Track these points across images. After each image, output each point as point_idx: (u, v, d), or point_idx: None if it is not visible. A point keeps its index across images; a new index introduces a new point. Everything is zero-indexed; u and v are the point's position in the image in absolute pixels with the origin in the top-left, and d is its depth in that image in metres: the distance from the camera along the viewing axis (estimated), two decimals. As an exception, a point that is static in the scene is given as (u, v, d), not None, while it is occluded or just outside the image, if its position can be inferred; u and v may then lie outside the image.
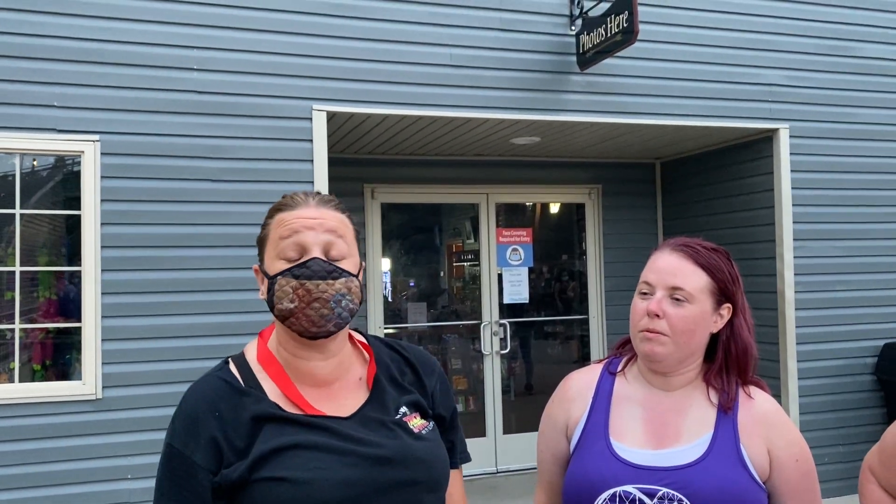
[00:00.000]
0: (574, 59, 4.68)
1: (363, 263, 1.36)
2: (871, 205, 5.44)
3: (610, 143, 5.66)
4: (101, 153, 3.91)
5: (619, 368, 1.58)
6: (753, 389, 1.51)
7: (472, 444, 6.08)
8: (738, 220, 5.56)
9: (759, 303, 5.34)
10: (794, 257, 5.17)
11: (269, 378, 1.28)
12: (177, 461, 1.21)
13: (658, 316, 1.44)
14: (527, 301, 6.38)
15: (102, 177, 3.91)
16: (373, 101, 4.34)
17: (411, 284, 6.42)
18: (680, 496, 1.37)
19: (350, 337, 1.39)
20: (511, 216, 6.51)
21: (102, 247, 3.90)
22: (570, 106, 4.72)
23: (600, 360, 1.64)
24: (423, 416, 1.37)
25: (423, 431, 1.33)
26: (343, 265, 1.26)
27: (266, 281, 1.28)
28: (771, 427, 1.46)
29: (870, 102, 5.43)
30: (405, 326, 6.14)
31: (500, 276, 6.31)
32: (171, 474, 1.21)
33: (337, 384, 1.32)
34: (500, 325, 6.25)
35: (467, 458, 1.49)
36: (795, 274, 5.17)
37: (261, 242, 1.32)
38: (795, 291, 5.16)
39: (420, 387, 1.41)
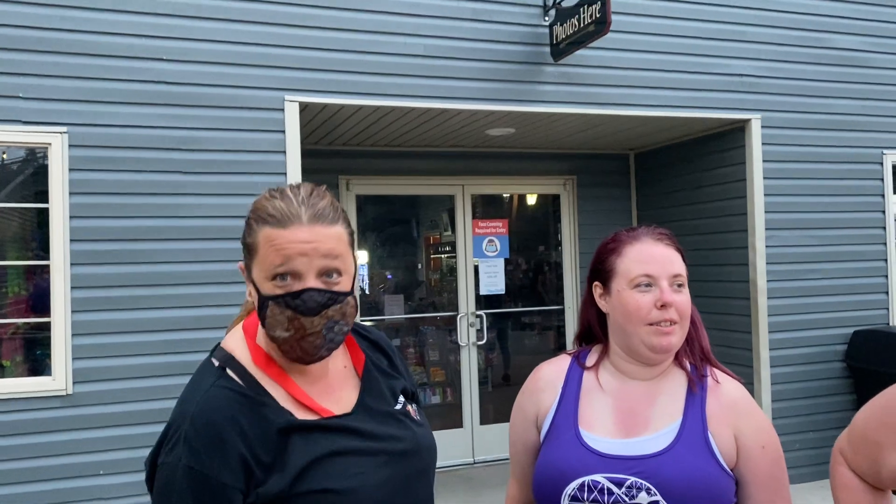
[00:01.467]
0: (548, 49, 4.68)
1: (356, 261, 1.31)
2: (841, 194, 5.51)
3: (584, 134, 5.68)
4: (69, 145, 3.84)
5: (591, 363, 1.57)
6: (721, 375, 1.52)
7: (449, 435, 6.11)
8: (711, 210, 5.61)
9: (731, 292, 5.40)
10: (766, 246, 5.23)
11: (273, 382, 1.22)
12: (202, 485, 1.10)
13: (671, 306, 1.44)
14: (503, 292, 6.39)
15: (70, 169, 3.85)
16: (346, 91, 4.31)
17: (388, 277, 6.41)
18: (648, 485, 1.37)
19: None
20: (487, 207, 6.51)
21: (71, 240, 3.84)
22: (545, 97, 4.72)
23: (569, 351, 1.64)
24: (413, 401, 1.38)
25: (418, 417, 1.35)
26: (339, 285, 1.20)
27: (256, 293, 1.21)
28: (738, 414, 1.46)
29: (839, 93, 5.49)
30: (382, 318, 6.13)
31: (476, 267, 6.32)
32: (193, 499, 1.10)
33: (328, 376, 1.30)
34: (477, 316, 6.26)
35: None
36: (767, 263, 5.22)
37: (248, 248, 1.23)
38: (767, 280, 5.22)
39: (395, 369, 1.41)
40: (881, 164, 5.60)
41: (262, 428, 1.16)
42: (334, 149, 5.72)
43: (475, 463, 6.14)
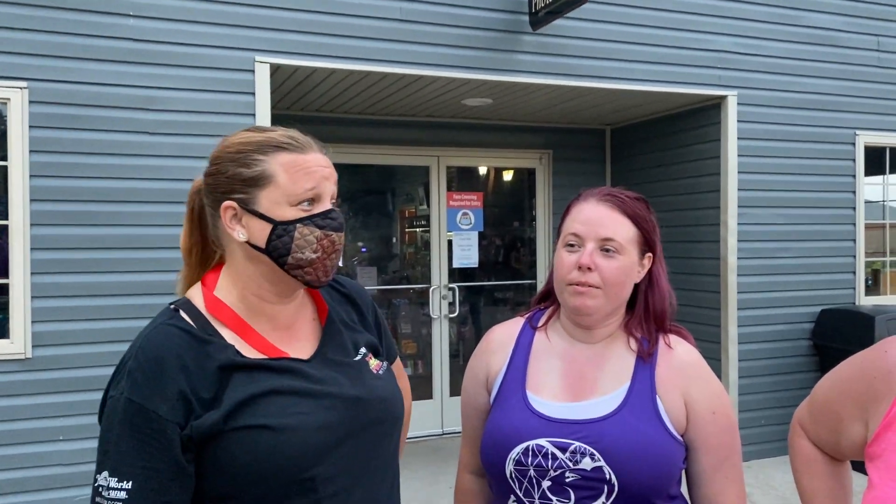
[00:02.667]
0: (526, 18, 4.61)
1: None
2: (812, 174, 5.54)
3: (561, 107, 5.63)
4: (30, 101, 3.71)
5: (541, 323, 1.54)
6: (674, 340, 1.47)
7: (419, 407, 6.08)
8: (685, 186, 5.61)
9: (702, 268, 5.42)
10: (738, 224, 5.25)
11: (224, 325, 1.23)
12: (139, 416, 1.12)
13: (590, 269, 1.39)
14: (476, 266, 6.36)
15: (31, 126, 3.72)
16: (319, 54, 4.21)
17: (363, 249, 6.34)
18: (592, 450, 1.34)
19: None
20: (462, 180, 6.45)
21: (31, 200, 3.72)
22: (522, 67, 4.66)
23: (523, 313, 1.60)
24: (376, 356, 1.37)
25: (380, 371, 1.34)
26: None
27: (261, 225, 1.20)
28: (689, 378, 1.42)
29: (815, 72, 5.50)
30: (353, 289, 6.07)
31: (450, 240, 6.27)
32: (132, 430, 1.11)
33: (296, 326, 1.30)
34: (449, 289, 6.23)
35: (395, 355, 1.53)
36: (739, 240, 5.25)
37: (253, 181, 1.20)
38: (738, 258, 5.24)
39: (365, 324, 1.41)
40: (853, 144, 5.64)
41: (203, 364, 1.16)
42: (306, 115, 5.61)
43: (443, 434, 6.15)
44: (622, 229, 1.42)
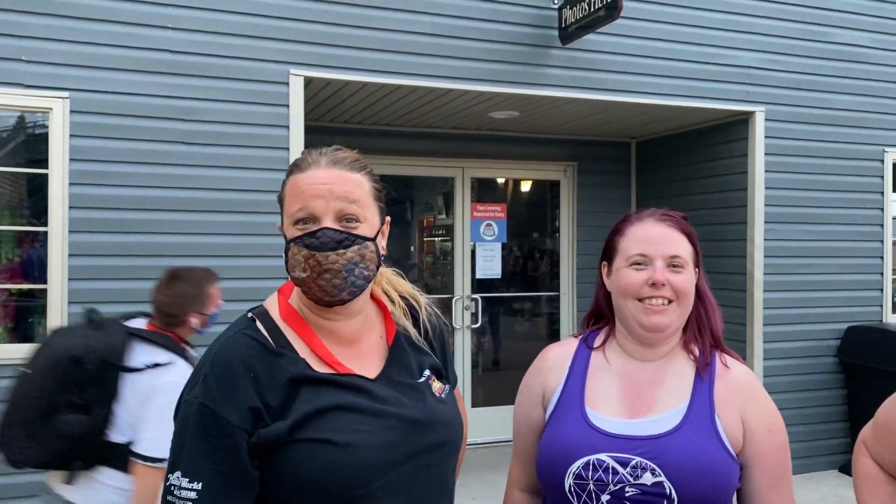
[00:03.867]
0: (556, 33, 4.65)
1: (387, 220, 1.34)
2: (840, 190, 5.52)
3: (587, 120, 5.66)
4: (71, 111, 3.80)
5: (598, 343, 1.57)
6: (730, 360, 1.52)
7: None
8: (711, 201, 5.62)
9: (728, 283, 5.41)
10: (765, 240, 5.24)
11: (297, 336, 1.27)
12: (210, 420, 1.16)
13: (663, 284, 1.43)
14: (499, 276, 6.39)
15: (71, 135, 3.80)
16: (351, 67, 4.27)
17: (384, 258, 6.38)
18: (653, 465, 1.36)
19: (372, 294, 1.39)
20: (486, 191, 6.49)
21: (70, 207, 3.80)
22: (550, 81, 4.69)
23: (577, 335, 1.64)
24: (439, 379, 1.38)
25: (443, 395, 1.35)
26: (358, 230, 1.24)
27: (286, 242, 1.27)
28: (746, 397, 1.46)
29: (843, 88, 5.49)
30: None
31: (473, 250, 6.31)
32: (203, 434, 1.16)
33: (361, 343, 1.32)
34: (472, 299, 6.26)
35: (455, 381, 1.51)
36: (765, 256, 5.24)
37: (280, 202, 1.29)
38: (764, 273, 5.23)
39: (432, 348, 1.43)
40: (882, 161, 5.62)
41: (275, 375, 1.21)
42: (335, 125, 5.68)
43: (467, 445, 6.15)
44: (682, 245, 1.49)
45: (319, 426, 1.19)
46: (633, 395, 1.47)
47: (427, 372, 1.36)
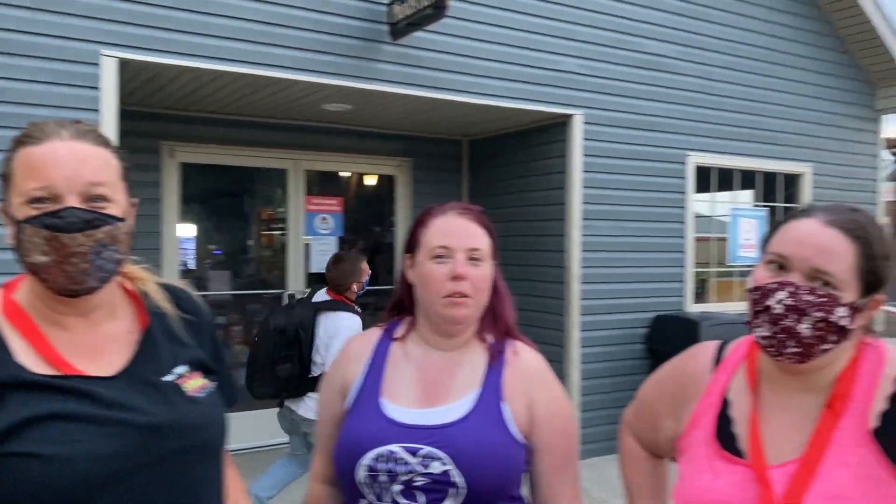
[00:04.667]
0: (387, 28, 4.69)
1: (135, 202, 1.23)
2: (649, 190, 5.99)
3: (420, 117, 5.76)
4: None
5: (399, 334, 1.58)
6: (521, 347, 1.56)
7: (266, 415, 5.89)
8: (535, 198, 5.90)
9: (548, 276, 5.72)
10: (582, 235, 5.58)
11: (18, 334, 1.13)
12: None
13: (464, 278, 1.45)
14: (334, 270, 6.35)
15: None
16: (171, 51, 4.08)
17: (216, 252, 6.17)
18: (441, 454, 1.38)
19: (121, 284, 1.28)
20: (323, 185, 6.43)
21: None
22: (382, 75, 4.73)
23: (380, 325, 1.64)
24: (206, 374, 1.29)
25: (201, 394, 1.24)
26: (107, 210, 1.13)
27: (13, 224, 1.12)
28: (533, 383, 1.51)
29: (652, 96, 5.95)
30: (206, 294, 5.90)
31: (307, 244, 6.23)
32: None
33: (103, 338, 1.20)
34: (305, 293, 6.18)
35: (234, 400, 1.43)
36: (582, 251, 5.58)
37: (4, 180, 1.15)
38: (581, 267, 5.57)
39: (199, 340, 1.33)
40: (684, 164, 6.15)
41: None
42: (158, 111, 5.41)
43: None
44: (483, 239, 1.52)
45: (26, 438, 1.05)
46: (429, 384, 1.49)
47: (183, 368, 1.25)
